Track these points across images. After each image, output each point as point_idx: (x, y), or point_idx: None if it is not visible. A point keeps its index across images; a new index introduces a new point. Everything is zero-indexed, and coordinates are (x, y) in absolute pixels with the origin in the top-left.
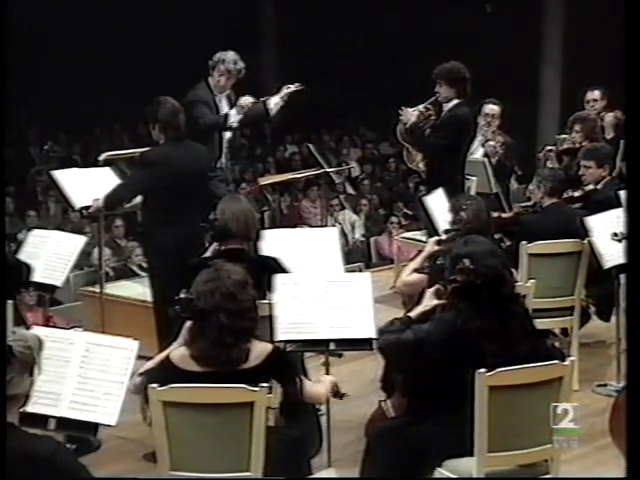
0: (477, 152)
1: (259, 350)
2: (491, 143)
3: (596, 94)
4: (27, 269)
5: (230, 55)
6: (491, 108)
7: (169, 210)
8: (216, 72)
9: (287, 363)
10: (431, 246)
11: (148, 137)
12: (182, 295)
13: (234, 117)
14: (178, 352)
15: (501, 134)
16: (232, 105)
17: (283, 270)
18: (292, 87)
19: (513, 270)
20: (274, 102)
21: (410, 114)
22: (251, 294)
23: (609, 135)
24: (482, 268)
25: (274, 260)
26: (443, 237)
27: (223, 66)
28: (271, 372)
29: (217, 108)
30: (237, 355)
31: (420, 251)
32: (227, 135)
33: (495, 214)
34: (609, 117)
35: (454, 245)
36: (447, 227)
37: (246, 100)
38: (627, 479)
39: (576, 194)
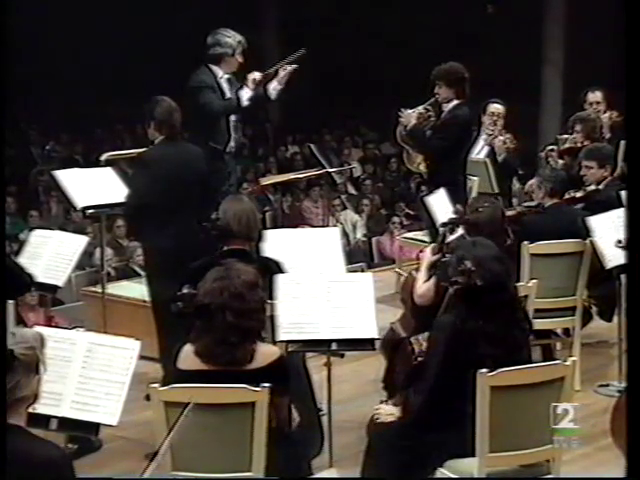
0: (482, 152)
1: (265, 352)
2: (500, 138)
3: (598, 95)
4: (29, 278)
5: (240, 35)
6: (496, 107)
7: (165, 211)
8: (238, 56)
9: (288, 375)
10: (430, 254)
11: (147, 137)
12: (185, 291)
13: (245, 96)
14: (183, 353)
15: (507, 133)
16: (232, 86)
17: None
18: (288, 68)
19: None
20: (272, 87)
21: (410, 116)
22: (260, 295)
23: (606, 135)
24: (486, 273)
25: (276, 264)
26: (440, 230)
27: (243, 47)
28: (273, 377)
29: (222, 91)
30: (241, 355)
31: (421, 251)
32: (233, 116)
33: None
34: (604, 118)
35: (462, 245)
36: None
37: (256, 75)
38: (627, 479)
39: (578, 195)
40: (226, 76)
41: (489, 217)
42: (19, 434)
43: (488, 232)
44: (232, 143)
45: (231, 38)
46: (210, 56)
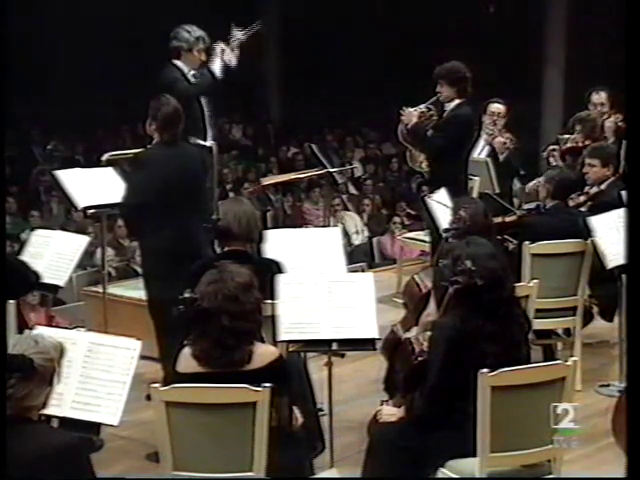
0: (483, 152)
1: (263, 353)
2: (500, 139)
3: (602, 96)
4: (35, 276)
5: (202, 32)
6: (496, 107)
7: (162, 211)
8: (195, 51)
9: (287, 375)
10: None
11: (147, 135)
12: (186, 295)
13: (216, 67)
14: (181, 356)
15: (507, 133)
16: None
17: None
18: (223, 45)
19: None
20: (217, 68)
21: (412, 114)
22: (255, 297)
23: (610, 140)
24: (482, 270)
25: (277, 264)
26: (443, 236)
27: (204, 44)
28: (272, 377)
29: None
30: (239, 357)
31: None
32: (207, 111)
33: (499, 219)
34: (609, 123)
35: (456, 246)
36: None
37: (222, 45)
38: (627, 479)
39: (582, 198)
40: (192, 72)
41: (470, 217)
42: (40, 425)
43: (474, 231)
44: (209, 138)
45: (189, 33)
46: (170, 50)
